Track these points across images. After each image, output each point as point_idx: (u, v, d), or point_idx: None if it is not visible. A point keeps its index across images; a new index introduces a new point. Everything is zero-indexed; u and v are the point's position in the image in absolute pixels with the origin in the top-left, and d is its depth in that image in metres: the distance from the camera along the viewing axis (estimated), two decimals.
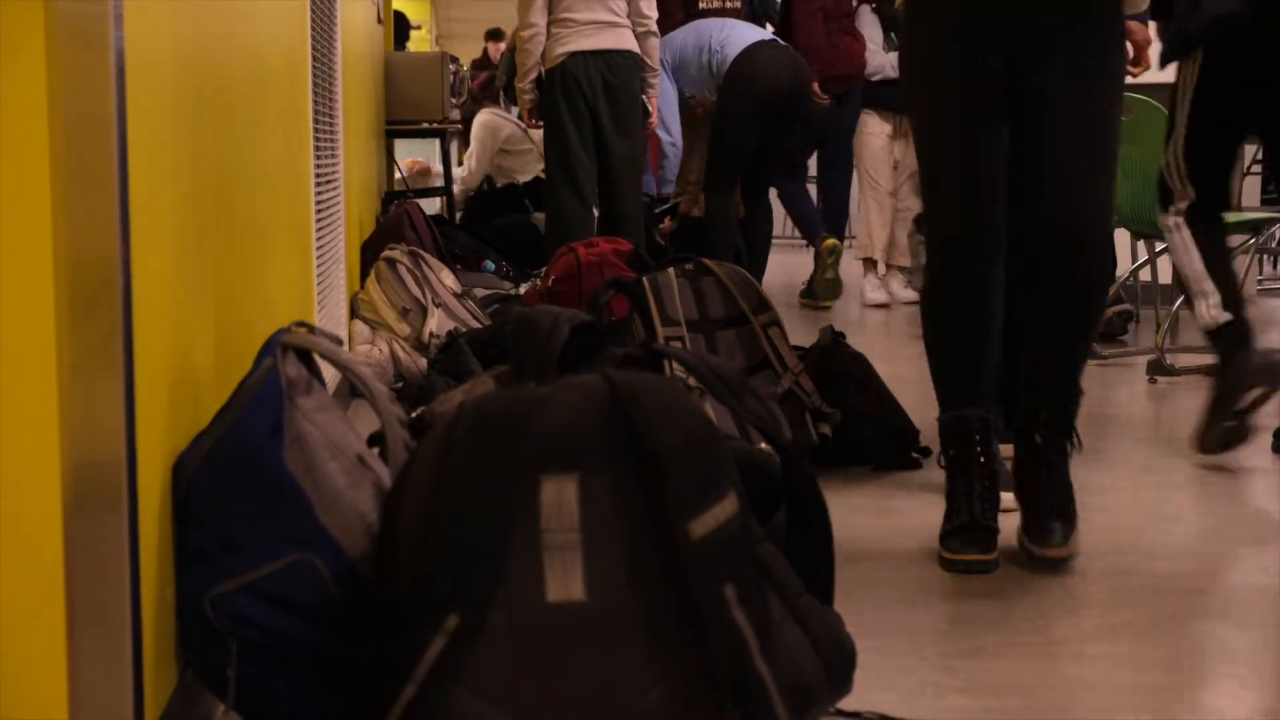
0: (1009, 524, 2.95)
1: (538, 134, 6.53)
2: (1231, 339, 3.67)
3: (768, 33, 6.46)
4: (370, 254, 5.21)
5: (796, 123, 6.54)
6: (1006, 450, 3.12)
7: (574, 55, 5.53)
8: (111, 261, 1.51)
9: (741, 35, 6.35)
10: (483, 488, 1.62)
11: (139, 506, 1.59)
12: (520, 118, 6.35)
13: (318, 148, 3.76)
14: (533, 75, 5.73)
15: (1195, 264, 3.76)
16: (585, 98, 5.55)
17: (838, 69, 6.90)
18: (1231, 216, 5.23)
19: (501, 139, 7.99)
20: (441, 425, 1.67)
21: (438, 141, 7.46)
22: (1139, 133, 5.08)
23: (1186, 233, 3.80)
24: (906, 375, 5.19)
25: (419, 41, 9.48)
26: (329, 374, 3.24)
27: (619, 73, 5.58)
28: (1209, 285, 3.73)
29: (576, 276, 5.06)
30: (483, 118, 8.01)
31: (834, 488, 3.31)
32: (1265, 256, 8.56)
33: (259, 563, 1.72)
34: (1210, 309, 3.72)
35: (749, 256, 6.50)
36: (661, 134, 6.41)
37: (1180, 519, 3.14)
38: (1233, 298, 3.73)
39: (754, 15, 7.07)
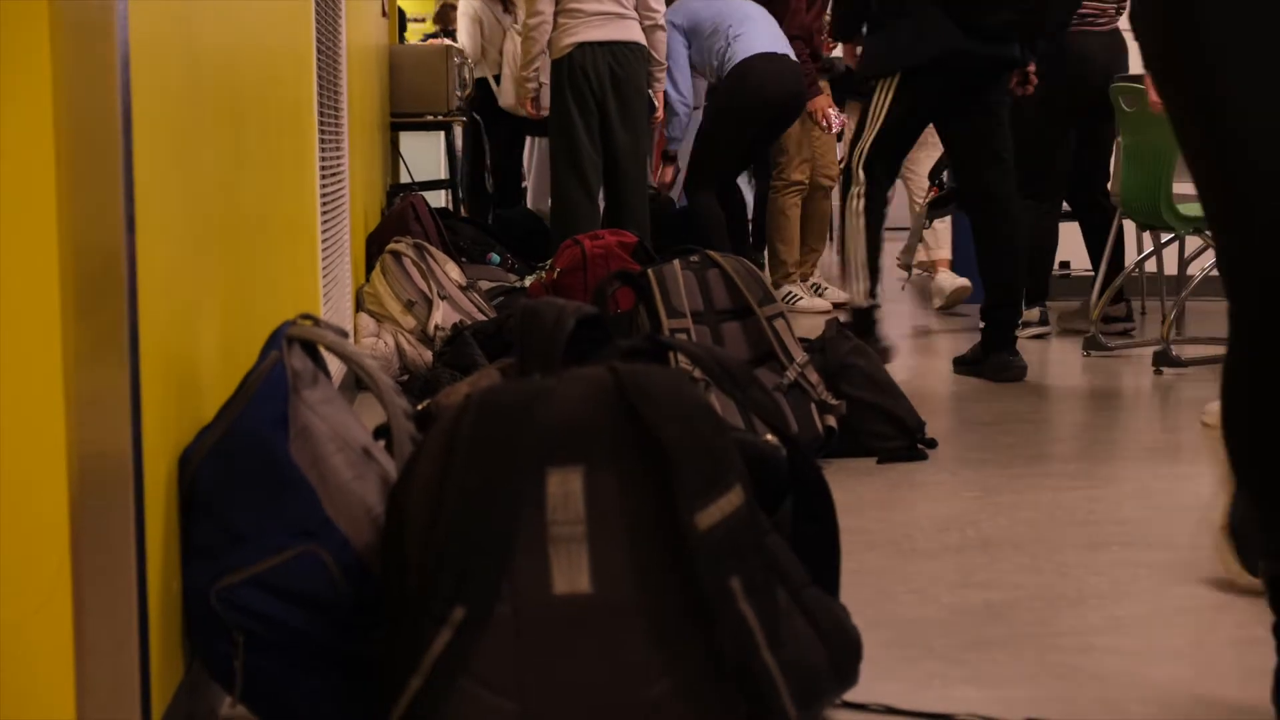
0: (997, 521, 2.94)
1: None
2: (867, 322, 4.74)
3: (780, 39, 6.41)
4: (375, 247, 5.21)
5: (787, 126, 6.56)
6: None
7: (581, 46, 5.52)
8: (116, 253, 1.51)
9: (753, 40, 6.31)
10: (488, 480, 1.62)
11: (145, 499, 1.59)
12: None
13: (323, 140, 3.76)
14: (536, 64, 5.72)
15: (861, 253, 4.81)
16: (592, 89, 5.54)
17: None
18: None
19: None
20: (447, 418, 1.67)
21: (442, 134, 7.46)
22: (1144, 124, 5.07)
23: (863, 222, 4.80)
24: (907, 367, 5.20)
25: (421, 33, 9.48)
26: (334, 367, 3.24)
27: (626, 65, 5.57)
28: (865, 273, 4.82)
29: (582, 269, 5.06)
30: (463, 7, 8.02)
31: (839, 479, 3.31)
32: None
33: (265, 555, 1.72)
34: (861, 293, 4.84)
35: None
36: (671, 91, 6.37)
37: (1187, 510, 3.14)
38: (875, 289, 4.86)
39: None
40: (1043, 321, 5.89)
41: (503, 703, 1.59)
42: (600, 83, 5.54)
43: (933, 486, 3.36)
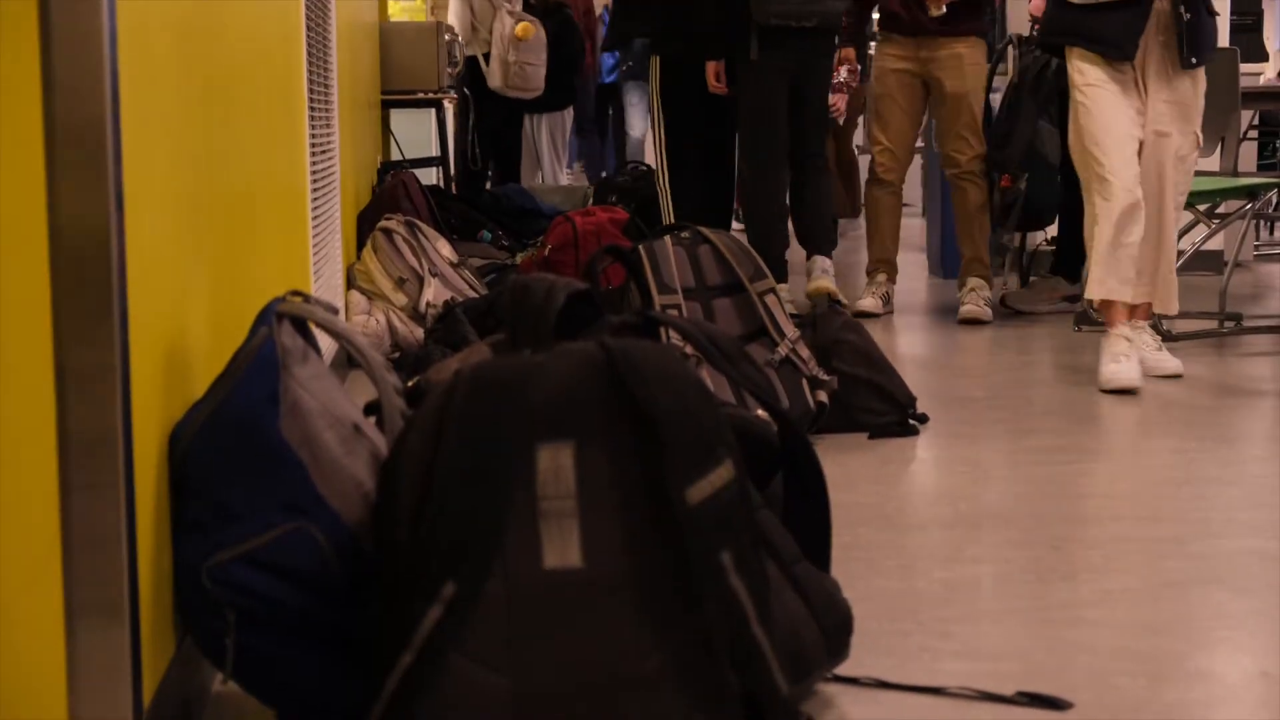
0: (988, 496, 2.94)
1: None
2: None
3: None
4: (367, 224, 5.20)
5: None
6: None
7: None
8: (106, 230, 1.51)
9: None
10: (479, 456, 1.62)
11: (135, 477, 1.58)
12: None
13: (313, 117, 3.75)
14: None
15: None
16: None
17: None
18: (1227, 182, 5.24)
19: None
20: (438, 394, 1.67)
21: (433, 112, 7.44)
22: None
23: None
24: (901, 346, 5.20)
25: (414, 11, 9.45)
26: (325, 344, 3.24)
27: None
28: None
29: (573, 245, 5.05)
30: None
31: (831, 455, 3.32)
32: (1261, 222, 8.55)
33: (256, 531, 1.72)
34: None
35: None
36: None
37: (1177, 484, 3.15)
38: None
39: None
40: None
41: (494, 678, 1.59)
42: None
43: (924, 461, 3.37)
